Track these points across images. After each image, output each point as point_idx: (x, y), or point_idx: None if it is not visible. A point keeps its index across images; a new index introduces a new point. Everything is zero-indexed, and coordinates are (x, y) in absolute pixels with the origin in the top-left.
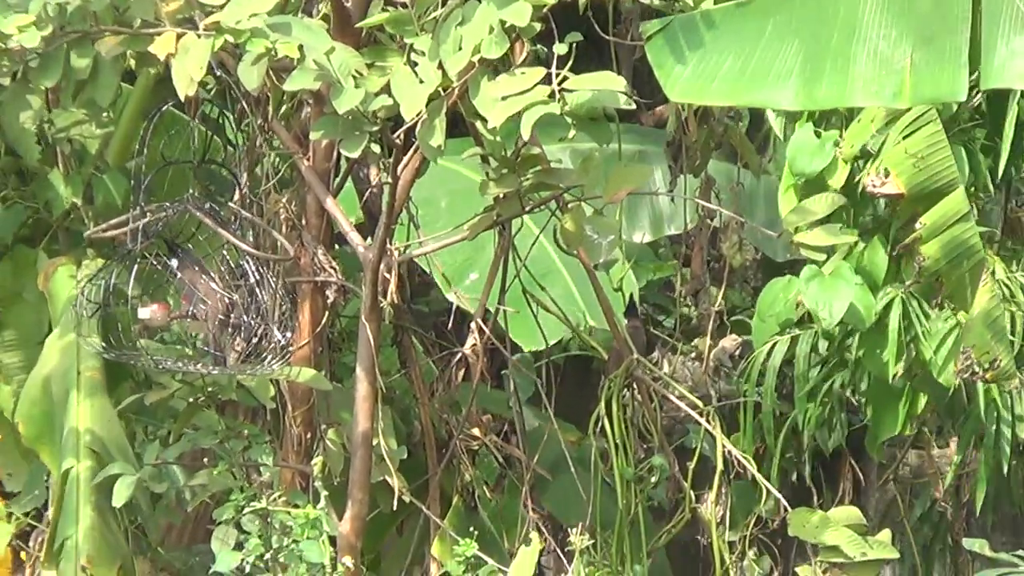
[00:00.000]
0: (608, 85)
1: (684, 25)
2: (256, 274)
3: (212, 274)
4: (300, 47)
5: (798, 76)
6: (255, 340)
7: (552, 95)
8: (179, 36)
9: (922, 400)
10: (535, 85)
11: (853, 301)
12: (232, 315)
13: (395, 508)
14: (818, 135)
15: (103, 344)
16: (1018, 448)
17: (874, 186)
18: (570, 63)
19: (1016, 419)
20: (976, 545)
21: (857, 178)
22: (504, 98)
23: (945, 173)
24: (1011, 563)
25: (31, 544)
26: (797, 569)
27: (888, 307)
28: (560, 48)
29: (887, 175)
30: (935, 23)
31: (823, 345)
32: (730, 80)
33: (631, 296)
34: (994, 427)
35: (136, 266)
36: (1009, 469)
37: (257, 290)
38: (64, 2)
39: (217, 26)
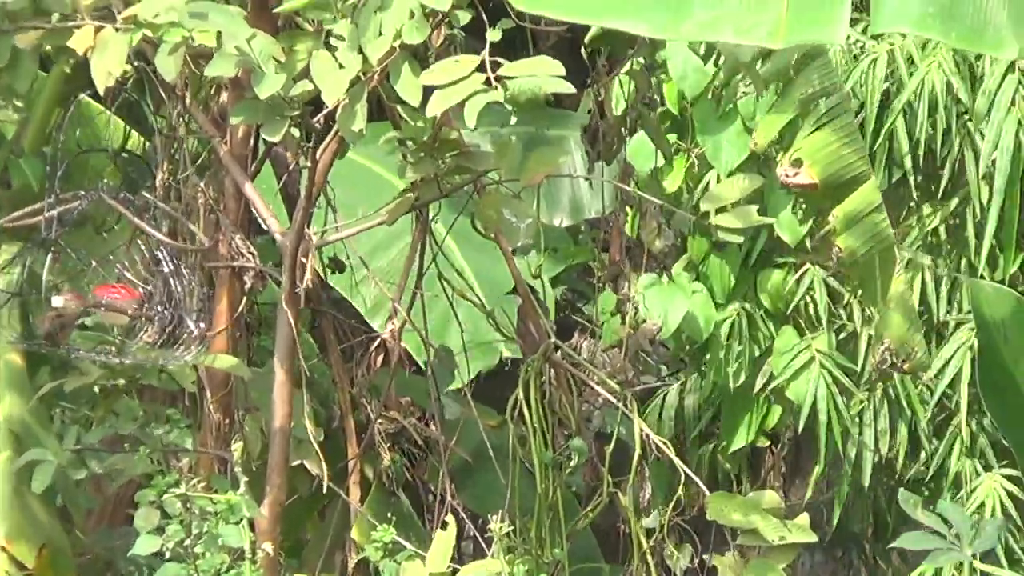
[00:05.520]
0: (546, 70)
1: None
2: (171, 263)
3: (126, 263)
4: (218, 34)
5: (665, 5)
6: (169, 329)
7: (487, 82)
8: (97, 30)
9: (776, 412)
10: (471, 72)
11: (692, 311)
12: (147, 305)
13: (316, 493)
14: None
15: (22, 334)
16: (880, 463)
17: (787, 176)
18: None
19: (879, 433)
20: (911, 501)
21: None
22: (443, 86)
23: (858, 163)
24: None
25: None
26: (713, 558)
27: (732, 320)
28: (493, 35)
29: (800, 165)
30: None
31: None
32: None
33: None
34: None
35: (50, 254)
36: (869, 486)
37: (171, 280)
38: None
39: (134, 20)
